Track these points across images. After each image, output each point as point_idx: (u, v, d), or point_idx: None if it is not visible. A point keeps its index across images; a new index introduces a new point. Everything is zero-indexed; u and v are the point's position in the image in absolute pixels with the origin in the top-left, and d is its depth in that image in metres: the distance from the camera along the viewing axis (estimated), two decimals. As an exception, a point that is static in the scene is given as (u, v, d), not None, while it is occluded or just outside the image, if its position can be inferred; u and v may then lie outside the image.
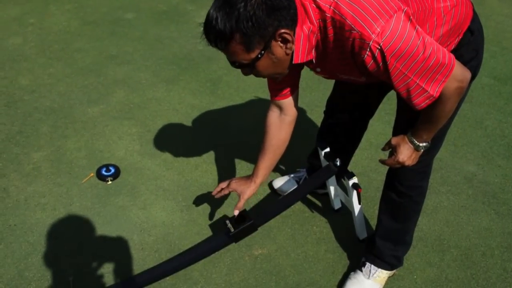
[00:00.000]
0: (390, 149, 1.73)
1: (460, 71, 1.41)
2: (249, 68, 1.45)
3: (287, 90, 1.80)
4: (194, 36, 4.07)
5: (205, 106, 3.23)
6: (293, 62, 1.46)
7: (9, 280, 2.09)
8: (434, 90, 1.39)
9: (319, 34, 1.40)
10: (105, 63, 3.68)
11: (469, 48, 1.60)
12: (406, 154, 1.66)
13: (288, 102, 1.83)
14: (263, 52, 1.37)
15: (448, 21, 1.50)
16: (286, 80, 1.73)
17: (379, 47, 1.28)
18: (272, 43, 1.37)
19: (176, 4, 4.64)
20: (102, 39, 4.02)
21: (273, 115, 1.89)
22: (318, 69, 1.59)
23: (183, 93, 3.35)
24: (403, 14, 1.30)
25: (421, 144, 1.63)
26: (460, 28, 1.55)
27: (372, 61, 1.33)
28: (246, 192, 1.93)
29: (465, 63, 1.53)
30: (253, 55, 1.38)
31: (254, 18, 1.29)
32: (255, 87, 3.40)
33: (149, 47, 3.92)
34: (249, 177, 1.97)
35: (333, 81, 2.12)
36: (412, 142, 1.64)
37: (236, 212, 1.94)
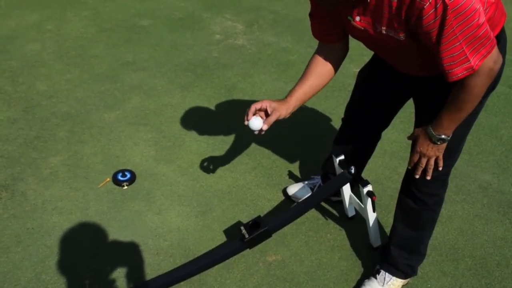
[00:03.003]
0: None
1: (497, 52, 1.42)
2: None
3: (333, 37, 1.77)
4: (209, 43, 4.10)
5: (219, 113, 3.26)
6: None
7: (27, 282, 2.13)
8: (475, 62, 1.39)
9: None
10: (121, 70, 3.73)
11: None
12: (425, 146, 1.69)
13: (336, 45, 1.79)
14: None
15: (489, 15, 1.50)
16: (331, 27, 1.73)
17: None
18: None
19: (192, 11, 4.69)
20: (118, 46, 4.07)
21: (320, 51, 1.83)
22: (358, 18, 1.54)
23: (198, 99, 3.38)
24: None
25: (439, 136, 1.63)
26: (492, 29, 1.55)
27: (432, 11, 1.31)
28: (278, 109, 1.75)
29: None
30: None
31: None
32: (270, 94, 3.42)
33: (165, 54, 3.96)
34: (281, 99, 1.82)
35: (350, 88, 2.13)
36: (430, 134, 1.65)
37: (265, 127, 1.74)
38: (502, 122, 3.17)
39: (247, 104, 3.30)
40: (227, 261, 2.18)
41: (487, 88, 1.49)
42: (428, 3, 1.29)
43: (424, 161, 1.74)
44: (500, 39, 1.61)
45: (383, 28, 1.49)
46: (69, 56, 3.90)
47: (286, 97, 1.82)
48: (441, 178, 1.87)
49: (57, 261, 2.23)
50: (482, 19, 1.33)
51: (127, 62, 3.84)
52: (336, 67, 1.84)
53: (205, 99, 3.39)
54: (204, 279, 2.15)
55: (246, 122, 1.76)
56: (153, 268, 2.21)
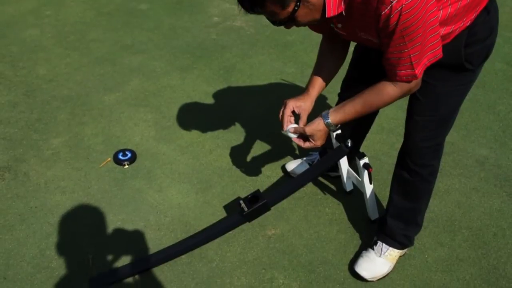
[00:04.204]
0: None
1: (421, 79, 1.56)
2: (290, 22, 1.52)
3: (328, 34, 1.85)
4: (207, 26, 4.11)
5: (218, 93, 3.28)
6: (326, 16, 1.50)
7: (31, 258, 2.17)
8: (418, 71, 1.49)
9: None
10: (120, 53, 3.74)
11: (485, 26, 1.63)
12: (318, 133, 1.77)
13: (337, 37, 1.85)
14: (298, 3, 1.44)
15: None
16: (322, 29, 1.83)
17: (399, 9, 1.33)
18: None
19: (190, -6, 4.69)
20: (117, 30, 4.08)
21: (326, 41, 1.92)
22: (340, 25, 1.61)
23: (197, 80, 3.40)
24: None
25: (335, 127, 1.76)
26: (478, 4, 1.57)
27: (385, 19, 1.38)
28: (305, 108, 1.88)
29: (480, 41, 1.59)
30: (290, 9, 1.45)
31: None
32: (268, 75, 3.44)
33: (163, 36, 3.98)
34: (303, 93, 1.92)
35: (346, 66, 2.15)
36: (328, 125, 1.74)
37: (303, 127, 1.82)
38: (500, 98, 3.20)
39: (245, 84, 3.36)
40: (227, 234, 2.22)
41: (401, 97, 1.61)
42: (384, 12, 1.36)
43: (306, 143, 1.82)
44: (490, 10, 1.62)
45: (362, 33, 1.57)
46: (68, 40, 3.92)
47: (307, 89, 1.91)
48: (435, 148, 1.89)
49: (60, 238, 2.26)
50: (436, 31, 1.43)
51: (126, 45, 3.85)
52: (345, 48, 1.91)
53: (203, 80, 3.41)
54: (205, 253, 2.19)
55: (284, 130, 1.88)
56: (154, 243, 2.24)
